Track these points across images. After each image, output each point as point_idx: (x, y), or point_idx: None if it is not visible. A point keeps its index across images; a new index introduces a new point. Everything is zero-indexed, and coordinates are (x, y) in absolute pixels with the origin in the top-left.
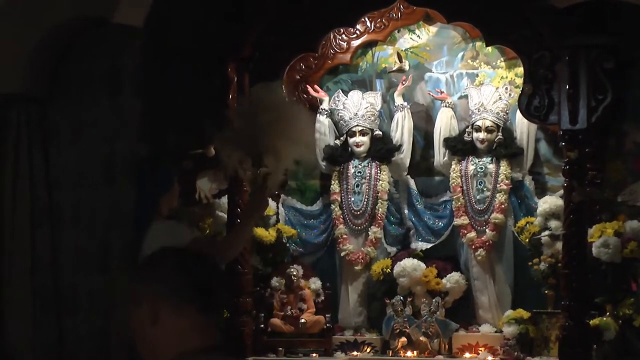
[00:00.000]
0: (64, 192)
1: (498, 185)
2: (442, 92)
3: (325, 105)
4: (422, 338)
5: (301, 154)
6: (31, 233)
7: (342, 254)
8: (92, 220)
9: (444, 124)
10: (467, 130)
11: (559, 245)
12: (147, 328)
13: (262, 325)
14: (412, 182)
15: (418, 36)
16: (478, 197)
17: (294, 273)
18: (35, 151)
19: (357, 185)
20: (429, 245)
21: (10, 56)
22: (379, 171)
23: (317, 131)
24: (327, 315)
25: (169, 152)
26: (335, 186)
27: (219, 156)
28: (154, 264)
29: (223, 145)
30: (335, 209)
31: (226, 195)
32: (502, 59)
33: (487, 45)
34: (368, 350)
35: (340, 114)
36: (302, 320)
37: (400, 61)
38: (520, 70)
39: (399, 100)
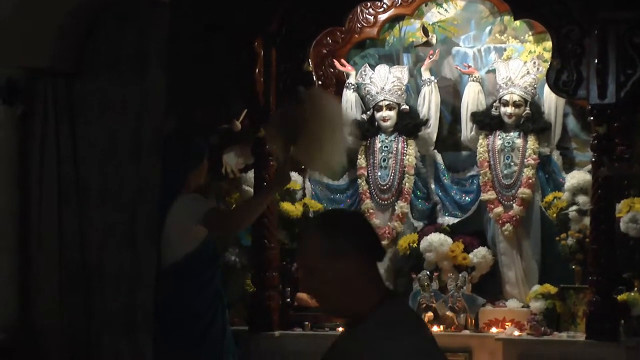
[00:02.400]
0: (91, 168)
1: (525, 160)
2: (469, 67)
3: (352, 80)
4: (448, 313)
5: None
6: (58, 209)
7: None
8: (119, 196)
9: (472, 99)
10: (494, 104)
11: (587, 220)
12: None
13: (289, 300)
14: (439, 157)
15: (446, 10)
16: (505, 172)
17: None
18: (62, 126)
19: (384, 160)
20: (456, 220)
21: (38, 31)
22: (405, 146)
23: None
24: None
25: (196, 127)
26: (361, 161)
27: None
28: (333, 223)
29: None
30: (362, 183)
31: (252, 170)
32: (530, 33)
33: (515, 19)
34: None
35: (367, 89)
36: None
37: (427, 35)
38: (548, 44)
39: (426, 74)
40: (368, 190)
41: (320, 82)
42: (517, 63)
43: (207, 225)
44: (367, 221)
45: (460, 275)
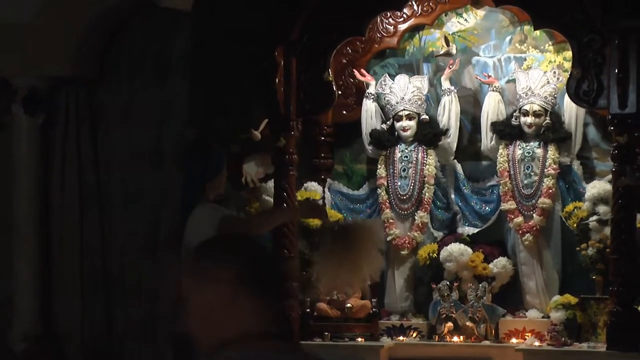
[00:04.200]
0: (113, 175)
1: (546, 170)
2: (489, 76)
3: (372, 90)
4: (468, 323)
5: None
6: (80, 216)
7: (389, 238)
8: (140, 203)
9: (492, 108)
10: (514, 114)
11: (608, 230)
12: (203, 311)
13: (309, 310)
14: (459, 167)
15: (466, 20)
16: (525, 181)
17: None
18: (83, 134)
19: (404, 170)
20: (476, 230)
21: (60, 40)
22: (425, 155)
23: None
24: (373, 300)
25: (216, 136)
26: (381, 170)
27: None
28: (213, 250)
29: None
30: (382, 193)
31: (272, 180)
32: (550, 42)
33: (535, 29)
34: (414, 335)
35: (386, 98)
36: (349, 305)
37: (448, 45)
38: (568, 54)
39: (446, 84)
40: (388, 200)
41: (340, 92)
42: (537, 73)
43: (220, 232)
44: (255, 251)
45: (480, 285)
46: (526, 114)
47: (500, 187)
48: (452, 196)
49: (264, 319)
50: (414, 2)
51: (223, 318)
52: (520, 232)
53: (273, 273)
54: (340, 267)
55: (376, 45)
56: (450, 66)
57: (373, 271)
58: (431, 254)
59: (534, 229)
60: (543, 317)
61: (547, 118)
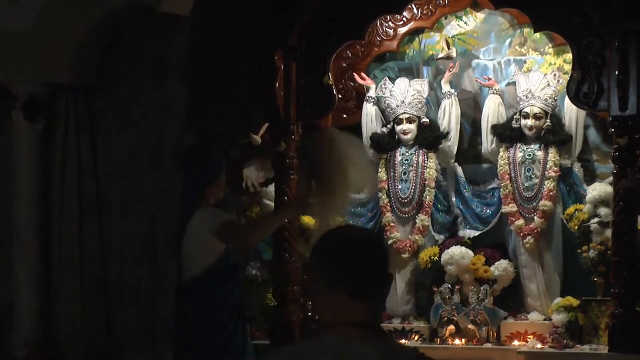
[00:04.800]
0: (112, 181)
1: (546, 173)
2: (489, 79)
3: (372, 93)
4: (470, 326)
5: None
6: (79, 222)
7: (390, 241)
8: (139, 208)
9: (492, 111)
10: (515, 117)
11: (609, 232)
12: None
13: (310, 314)
14: (459, 170)
15: (465, 23)
16: (526, 184)
17: None
18: (83, 140)
19: (404, 173)
20: (477, 233)
21: (59, 46)
22: (426, 159)
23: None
24: None
25: (216, 141)
26: (382, 174)
27: None
28: (321, 244)
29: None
30: (383, 196)
31: (273, 184)
32: (550, 45)
33: (535, 32)
34: (416, 338)
35: (387, 102)
36: None
37: (448, 48)
38: (568, 56)
39: (446, 87)
40: (389, 204)
41: (340, 96)
42: (537, 75)
43: (220, 236)
44: (358, 252)
45: (481, 288)
46: (526, 116)
47: (501, 189)
48: (453, 199)
49: (352, 310)
50: (413, 6)
51: (315, 305)
52: (521, 234)
53: (360, 267)
54: (324, 177)
55: (376, 49)
56: (450, 69)
57: (361, 179)
58: (432, 257)
59: (535, 231)
60: (544, 320)
61: (548, 120)
